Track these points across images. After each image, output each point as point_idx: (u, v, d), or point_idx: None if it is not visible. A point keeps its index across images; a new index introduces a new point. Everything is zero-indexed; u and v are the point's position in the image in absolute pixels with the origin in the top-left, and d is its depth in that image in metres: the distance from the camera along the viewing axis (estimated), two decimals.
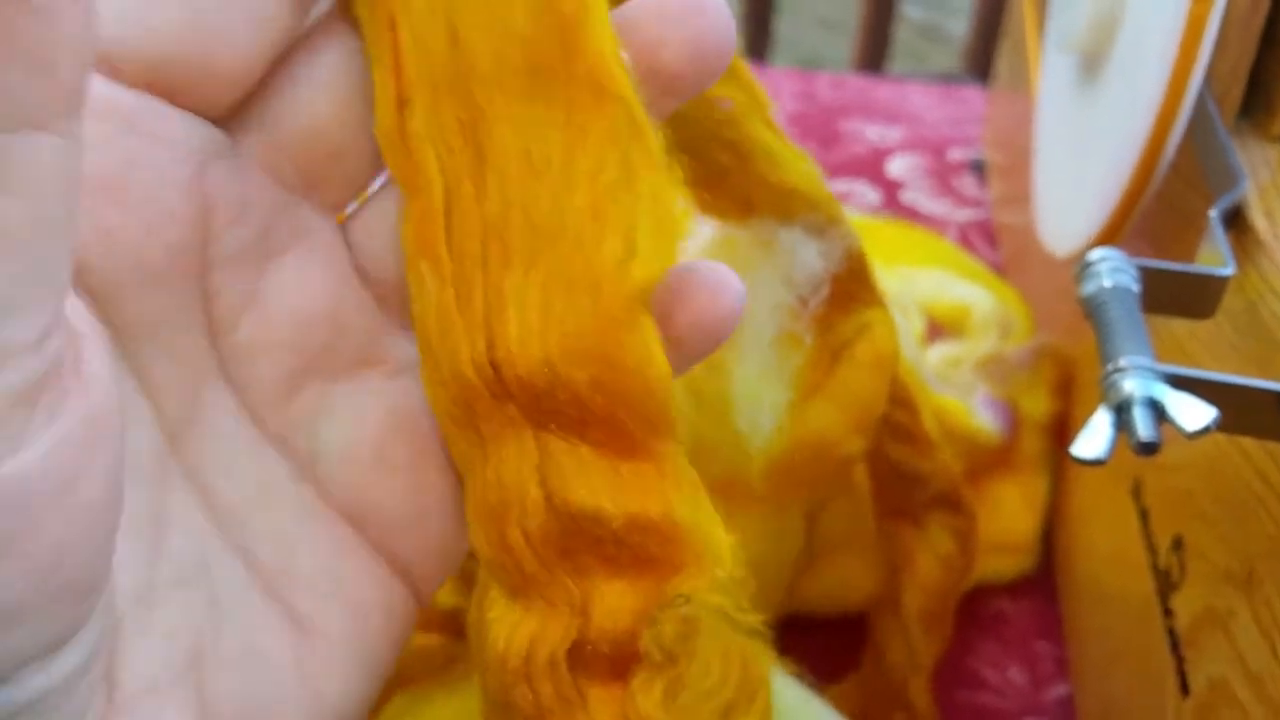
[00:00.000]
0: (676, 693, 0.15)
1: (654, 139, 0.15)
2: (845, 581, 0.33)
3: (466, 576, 0.25)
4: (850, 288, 0.27)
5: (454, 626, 0.26)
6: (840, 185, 0.64)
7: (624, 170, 0.15)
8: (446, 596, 0.26)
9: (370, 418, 0.17)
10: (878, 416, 0.28)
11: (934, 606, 0.30)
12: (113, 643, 0.13)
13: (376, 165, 0.17)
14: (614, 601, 0.15)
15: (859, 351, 0.27)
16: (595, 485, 0.15)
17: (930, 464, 0.30)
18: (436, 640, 0.26)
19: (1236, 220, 0.26)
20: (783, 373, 0.27)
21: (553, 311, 0.14)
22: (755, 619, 0.16)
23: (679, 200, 0.16)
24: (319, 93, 0.16)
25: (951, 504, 0.30)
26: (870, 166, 0.66)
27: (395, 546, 0.17)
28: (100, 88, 0.14)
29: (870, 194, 0.63)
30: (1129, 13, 0.30)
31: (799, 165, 0.25)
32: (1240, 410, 0.21)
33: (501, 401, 0.15)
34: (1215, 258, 0.24)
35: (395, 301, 0.17)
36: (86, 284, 0.14)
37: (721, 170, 0.23)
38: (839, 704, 0.27)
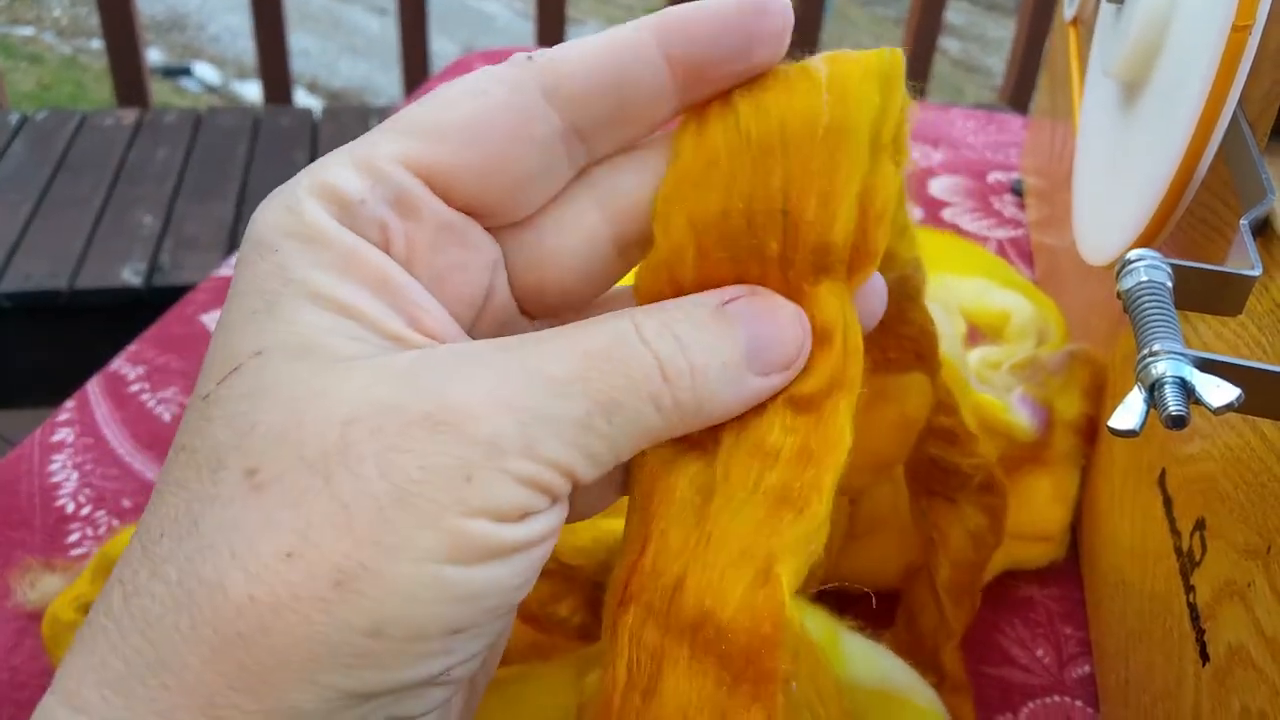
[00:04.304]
0: None
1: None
2: (883, 558, 0.36)
3: (591, 598, 0.28)
4: (907, 350, 0.29)
5: (571, 630, 0.29)
6: None
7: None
8: (572, 614, 0.28)
9: None
10: (893, 466, 0.31)
11: (964, 578, 0.32)
12: None
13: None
14: None
15: (889, 413, 0.29)
16: (717, 705, 0.17)
17: (970, 460, 0.32)
18: (555, 640, 0.29)
19: (1264, 230, 0.28)
20: None
21: (727, 582, 0.17)
22: None
23: None
24: (563, 260, 0.20)
25: (985, 485, 0.32)
26: (914, 186, 0.68)
27: None
28: (440, 208, 0.18)
29: (914, 212, 0.66)
30: (1169, 42, 0.32)
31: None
32: (1262, 393, 0.24)
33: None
34: (1244, 261, 0.26)
35: None
36: (423, 328, 0.18)
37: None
38: None
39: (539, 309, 0.21)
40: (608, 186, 0.20)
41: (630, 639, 0.18)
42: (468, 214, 0.19)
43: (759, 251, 0.19)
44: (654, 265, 0.19)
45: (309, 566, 0.15)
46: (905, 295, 0.27)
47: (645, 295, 0.20)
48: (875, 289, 0.21)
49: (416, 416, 0.16)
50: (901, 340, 0.28)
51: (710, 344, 0.18)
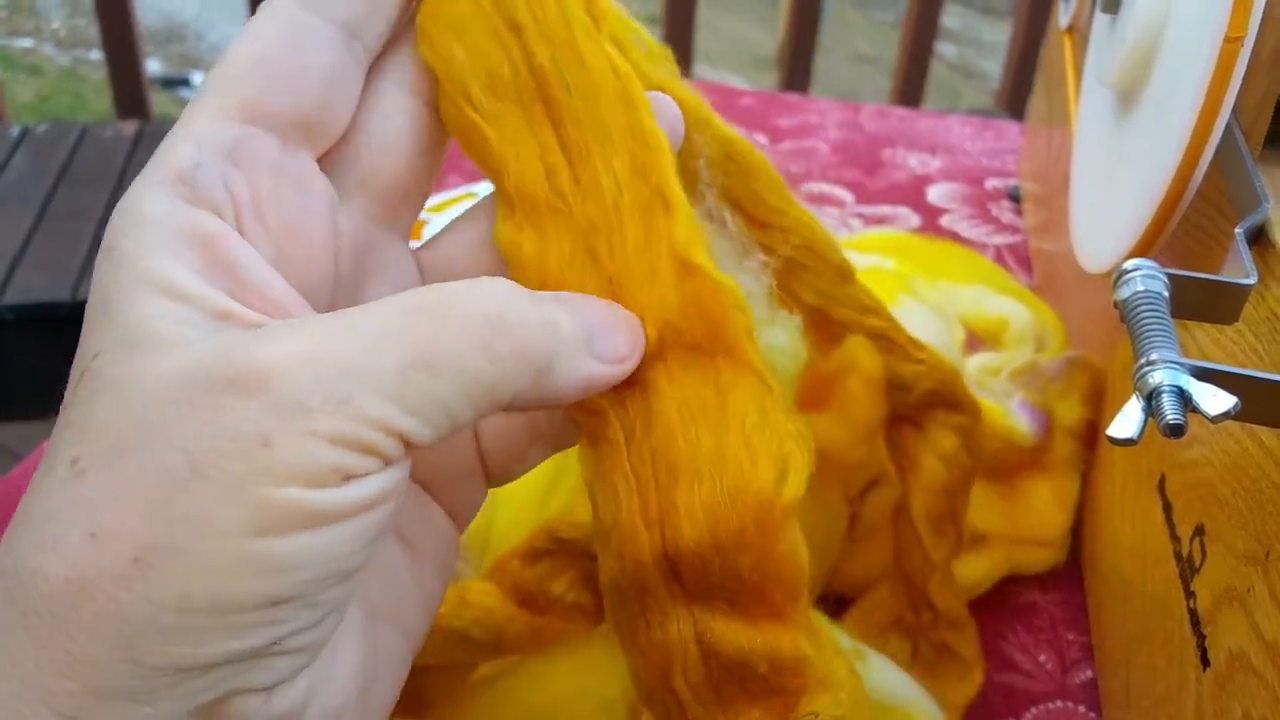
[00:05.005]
0: None
1: (778, 390, 0.20)
2: (883, 562, 0.36)
3: (586, 573, 0.28)
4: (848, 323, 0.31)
5: (568, 610, 0.29)
6: (883, 209, 0.67)
7: (761, 415, 0.19)
8: (566, 590, 0.28)
9: None
10: (875, 427, 0.31)
11: (941, 506, 0.32)
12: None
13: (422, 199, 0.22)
14: None
15: (852, 382, 0.31)
16: (743, 640, 0.19)
17: (913, 367, 0.31)
18: (551, 621, 0.29)
19: (1259, 238, 0.28)
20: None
21: (720, 517, 0.19)
22: None
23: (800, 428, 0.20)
24: (396, 147, 0.21)
25: (949, 402, 0.32)
26: (912, 193, 0.69)
27: (445, 498, 0.23)
28: (277, 153, 0.19)
29: (912, 218, 0.66)
30: (1163, 51, 0.33)
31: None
32: (1259, 400, 0.24)
33: (669, 582, 0.19)
34: (1239, 269, 0.27)
35: None
36: (259, 301, 0.18)
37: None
38: (872, 612, 0.30)
39: (388, 212, 0.21)
40: (396, 63, 0.21)
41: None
42: (297, 147, 0.19)
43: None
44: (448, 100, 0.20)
45: (109, 545, 0.16)
46: (841, 276, 0.30)
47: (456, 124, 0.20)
48: (663, 109, 0.21)
49: (218, 384, 0.16)
50: (842, 317, 0.30)
51: (541, 312, 0.18)
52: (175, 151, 0.18)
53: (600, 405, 0.20)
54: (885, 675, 0.28)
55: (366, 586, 0.20)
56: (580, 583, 0.28)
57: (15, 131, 1.51)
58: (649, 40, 0.23)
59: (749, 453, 0.19)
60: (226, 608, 0.16)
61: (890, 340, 0.31)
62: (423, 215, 0.34)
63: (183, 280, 0.17)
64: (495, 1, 0.20)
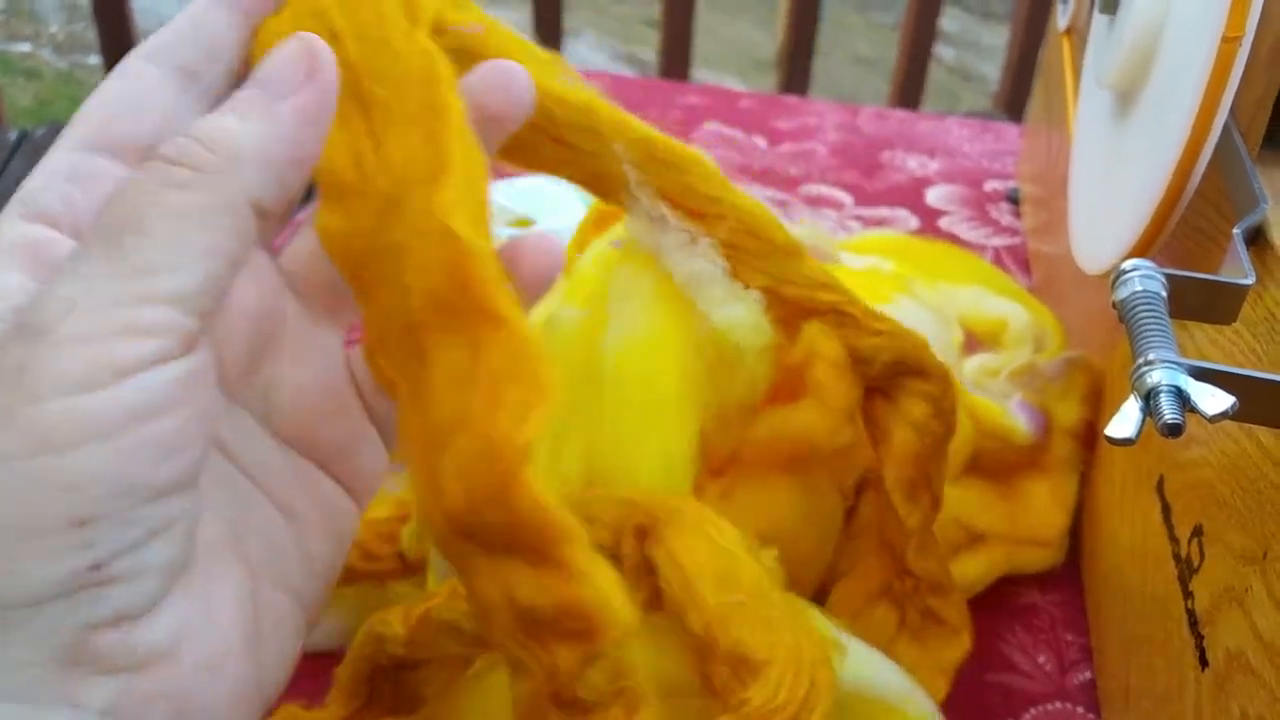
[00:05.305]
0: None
1: (532, 342, 0.20)
2: None
3: None
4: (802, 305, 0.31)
5: None
6: (882, 211, 0.67)
7: (511, 371, 0.20)
8: None
9: (306, 384, 0.23)
10: (854, 407, 0.31)
11: (913, 474, 0.32)
12: (195, 523, 0.19)
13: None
14: (567, 662, 0.21)
15: (818, 369, 0.31)
16: (529, 589, 0.20)
17: (872, 340, 0.31)
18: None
19: (1257, 238, 0.28)
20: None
21: (469, 476, 0.20)
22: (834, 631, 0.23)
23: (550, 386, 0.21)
24: None
25: (916, 370, 0.32)
26: (911, 195, 0.69)
27: (336, 469, 0.24)
28: (120, 172, 0.20)
29: (911, 220, 0.66)
30: (1162, 52, 0.33)
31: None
32: (1257, 400, 0.24)
33: (464, 541, 0.21)
34: (1237, 270, 0.27)
35: (317, 300, 0.24)
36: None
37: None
38: (861, 580, 0.30)
39: None
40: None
41: None
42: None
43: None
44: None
45: None
46: (787, 254, 0.30)
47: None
48: (503, 74, 0.23)
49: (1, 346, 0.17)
50: (794, 294, 0.30)
51: (213, 118, 0.19)
52: (29, 182, 0.20)
53: (390, 374, 0.21)
54: (873, 669, 0.28)
55: (244, 543, 0.21)
56: None
57: (13, 135, 1.50)
58: (531, 47, 0.25)
59: (492, 408, 0.20)
60: (30, 531, 0.16)
61: (846, 314, 0.31)
62: None
63: (5, 280, 0.19)
64: (316, 15, 0.21)
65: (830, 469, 0.33)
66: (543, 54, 0.26)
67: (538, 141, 0.27)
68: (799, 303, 0.31)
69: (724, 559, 0.26)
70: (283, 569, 0.22)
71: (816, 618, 0.29)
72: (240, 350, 0.22)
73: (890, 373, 0.32)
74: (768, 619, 0.24)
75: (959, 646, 0.33)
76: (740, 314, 0.30)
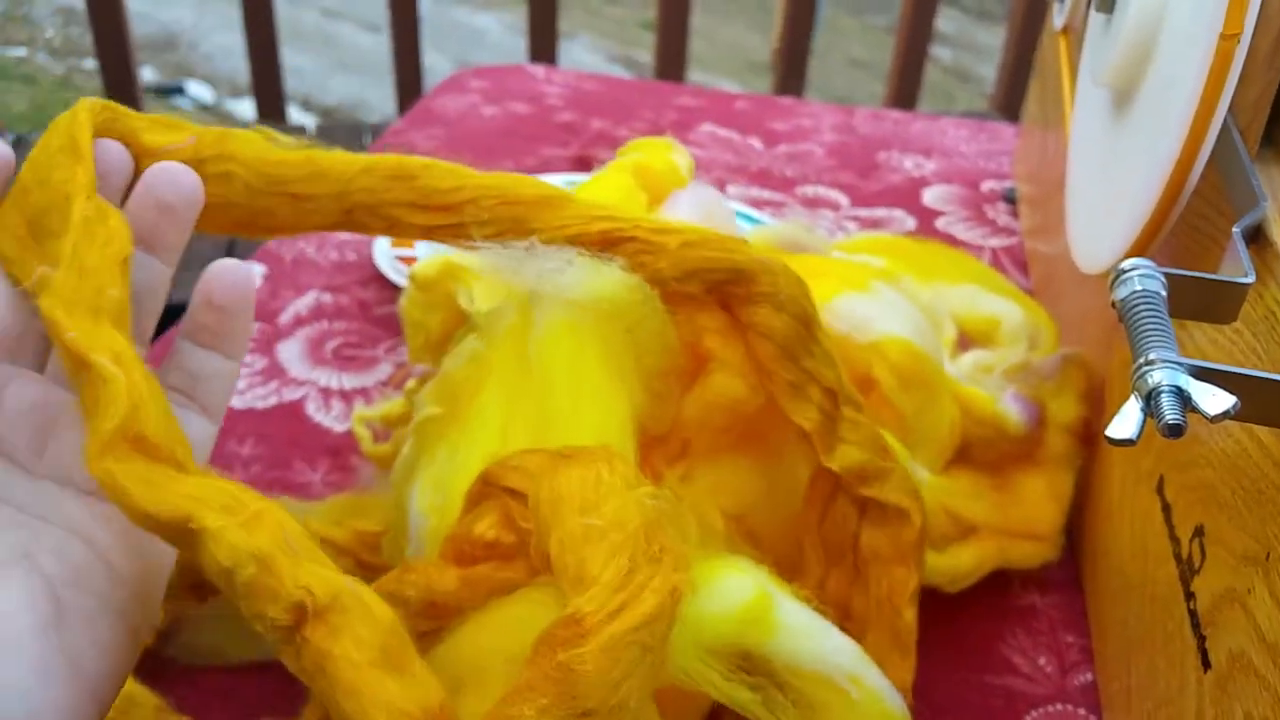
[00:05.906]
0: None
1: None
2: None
3: (505, 512, 0.29)
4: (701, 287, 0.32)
5: (495, 554, 0.29)
6: (879, 212, 0.67)
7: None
8: (487, 529, 0.29)
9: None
10: (770, 373, 0.32)
11: (790, 375, 0.32)
12: None
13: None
14: None
15: (708, 341, 0.33)
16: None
17: (674, 258, 0.31)
18: (481, 570, 0.29)
19: (1257, 237, 0.28)
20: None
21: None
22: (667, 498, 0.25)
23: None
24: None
25: (736, 276, 0.32)
26: (907, 196, 0.69)
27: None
28: None
29: (908, 221, 0.66)
30: (1159, 50, 0.33)
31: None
32: (1258, 400, 0.24)
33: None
34: (1237, 269, 0.26)
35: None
36: None
37: None
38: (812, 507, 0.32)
39: None
40: None
41: None
42: None
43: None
44: None
45: None
46: (547, 203, 0.31)
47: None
48: (169, 173, 0.27)
49: None
50: (575, 236, 0.31)
51: None
52: None
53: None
54: (820, 640, 0.27)
55: (36, 559, 0.24)
56: (501, 523, 0.29)
57: (9, 140, 1.50)
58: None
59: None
60: None
61: (631, 239, 0.31)
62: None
63: None
64: (17, 200, 0.27)
65: (768, 433, 0.34)
66: (247, 132, 0.30)
67: (276, 205, 0.30)
68: (583, 242, 0.31)
69: (597, 490, 0.26)
70: (85, 578, 0.25)
71: (748, 568, 0.28)
72: (27, 438, 0.26)
73: (713, 287, 0.32)
74: (614, 543, 0.25)
75: (911, 527, 0.32)
76: (610, 276, 0.31)
